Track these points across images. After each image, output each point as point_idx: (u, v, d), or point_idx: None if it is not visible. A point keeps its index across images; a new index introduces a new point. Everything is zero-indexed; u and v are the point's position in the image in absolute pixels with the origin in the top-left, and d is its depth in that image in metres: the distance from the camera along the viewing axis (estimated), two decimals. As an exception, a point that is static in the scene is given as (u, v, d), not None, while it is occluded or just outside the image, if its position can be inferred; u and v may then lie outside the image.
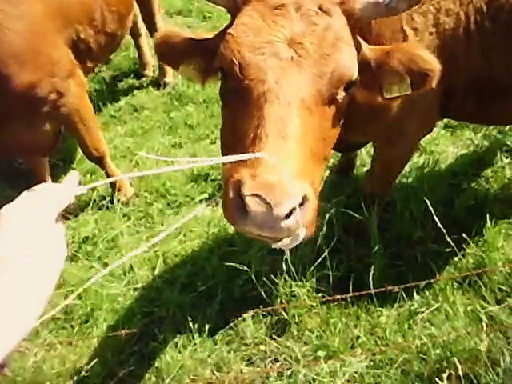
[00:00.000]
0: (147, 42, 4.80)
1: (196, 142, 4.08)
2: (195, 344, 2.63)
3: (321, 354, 2.54)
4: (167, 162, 3.39)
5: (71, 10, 2.91)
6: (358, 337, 2.61)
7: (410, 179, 3.41)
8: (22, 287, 0.91)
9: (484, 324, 2.47)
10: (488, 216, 2.93)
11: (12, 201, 1.00)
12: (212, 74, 1.73)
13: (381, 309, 2.72)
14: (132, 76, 4.93)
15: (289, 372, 2.50)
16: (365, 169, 3.57)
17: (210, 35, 1.71)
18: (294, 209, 1.24)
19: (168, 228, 1.17)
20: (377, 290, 2.53)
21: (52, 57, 2.75)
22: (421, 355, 2.48)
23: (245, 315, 2.72)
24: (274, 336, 2.67)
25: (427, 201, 2.67)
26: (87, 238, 3.29)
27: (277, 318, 2.73)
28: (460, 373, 2.21)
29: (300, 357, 2.53)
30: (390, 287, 2.44)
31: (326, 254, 2.74)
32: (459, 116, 2.69)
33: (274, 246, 1.34)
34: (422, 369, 2.41)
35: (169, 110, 4.44)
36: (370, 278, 2.60)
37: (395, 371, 2.44)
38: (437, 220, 2.54)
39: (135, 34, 4.69)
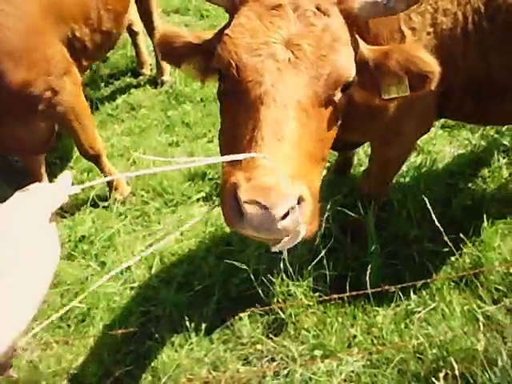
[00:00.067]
0: (144, 41, 4.79)
1: (193, 140, 4.07)
2: (192, 343, 2.63)
3: (317, 353, 2.54)
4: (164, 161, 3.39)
5: (67, 9, 2.89)
6: (355, 336, 2.61)
7: (407, 179, 3.41)
8: (20, 288, 0.91)
9: (481, 324, 2.48)
10: (485, 216, 2.93)
11: (7, 198, 1.00)
12: (212, 72, 1.73)
13: (377, 308, 2.72)
14: (129, 74, 4.92)
15: (285, 371, 2.50)
16: (362, 168, 3.57)
17: (208, 34, 1.70)
18: (291, 209, 1.24)
19: (169, 236, 1.18)
20: (373, 290, 2.54)
21: (47, 55, 2.73)
22: (417, 355, 2.48)
23: (241, 314, 2.72)
24: (270, 335, 2.67)
25: (426, 199, 2.67)
26: (84, 236, 3.28)
27: (273, 317, 2.73)
28: (456, 372, 2.20)
29: (297, 356, 2.53)
30: (386, 287, 2.45)
31: (323, 253, 2.74)
32: (456, 116, 2.69)
33: (273, 249, 1.35)
34: (418, 368, 2.41)
35: (166, 109, 4.43)
36: (367, 278, 2.61)
37: (392, 371, 2.44)
38: (435, 219, 2.54)
39: (132, 33, 4.67)
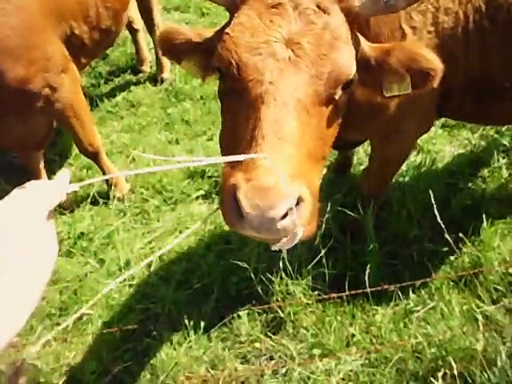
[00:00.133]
0: (144, 38, 4.78)
1: (193, 138, 4.07)
2: (190, 341, 2.63)
3: (316, 352, 2.54)
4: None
5: (66, 6, 2.89)
6: (354, 335, 2.61)
7: (406, 178, 3.40)
8: (18, 285, 0.91)
9: (480, 323, 2.48)
10: (484, 216, 2.93)
11: (6, 194, 1.00)
12: (212, 71, 1.73)
13: (376, 307, 2.72)
14: (129, 72, 4.90)
15: (284, 370, 2.50)
16: (362, 167, 3.57)
17: (209, 32, 1.70)
18: (290, 209, 1.24)
19: (171, 243, 1.18)
20: (373, 289, 2.53)
21: (46, 52, 2.73)
22: (416, 354, 2.48)
23: (240, 313, 2.72)
24: (269, 334, 2.67)
25: (431, 195, 2.65)
26: (83, 233, 3.27)
27: (272, 315, 2.73)
28: (455, 372, 2.21)
29: (295, 355, 2.53)
30: (385, 286, 2.44)
31: (322, 253, 2.74)
32: (456, 115, 2.68)
33: (273, 248, 1.34)
34: (417, 368, 2.41)
35: (166, 106, 4.42)
36: (366, 277, 2.61)
37: (390, 370, 2.44)
38: (437, 215, 2.53)
39: (132, 30, 4.66)
